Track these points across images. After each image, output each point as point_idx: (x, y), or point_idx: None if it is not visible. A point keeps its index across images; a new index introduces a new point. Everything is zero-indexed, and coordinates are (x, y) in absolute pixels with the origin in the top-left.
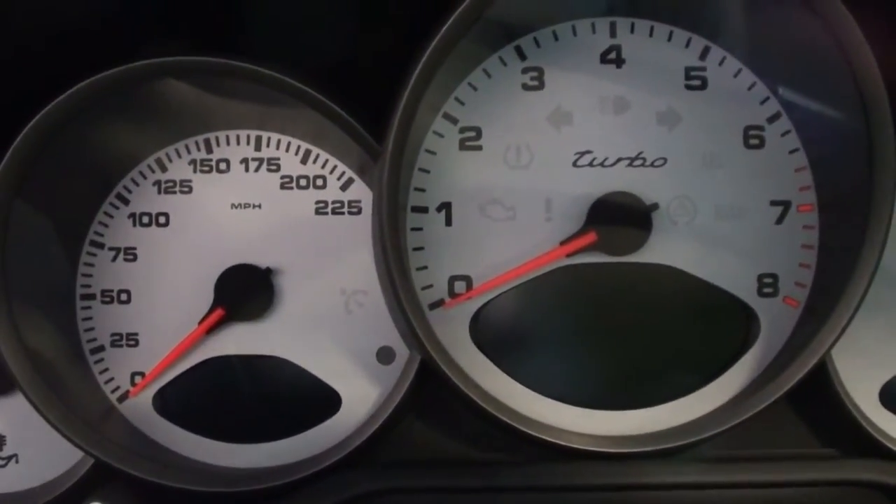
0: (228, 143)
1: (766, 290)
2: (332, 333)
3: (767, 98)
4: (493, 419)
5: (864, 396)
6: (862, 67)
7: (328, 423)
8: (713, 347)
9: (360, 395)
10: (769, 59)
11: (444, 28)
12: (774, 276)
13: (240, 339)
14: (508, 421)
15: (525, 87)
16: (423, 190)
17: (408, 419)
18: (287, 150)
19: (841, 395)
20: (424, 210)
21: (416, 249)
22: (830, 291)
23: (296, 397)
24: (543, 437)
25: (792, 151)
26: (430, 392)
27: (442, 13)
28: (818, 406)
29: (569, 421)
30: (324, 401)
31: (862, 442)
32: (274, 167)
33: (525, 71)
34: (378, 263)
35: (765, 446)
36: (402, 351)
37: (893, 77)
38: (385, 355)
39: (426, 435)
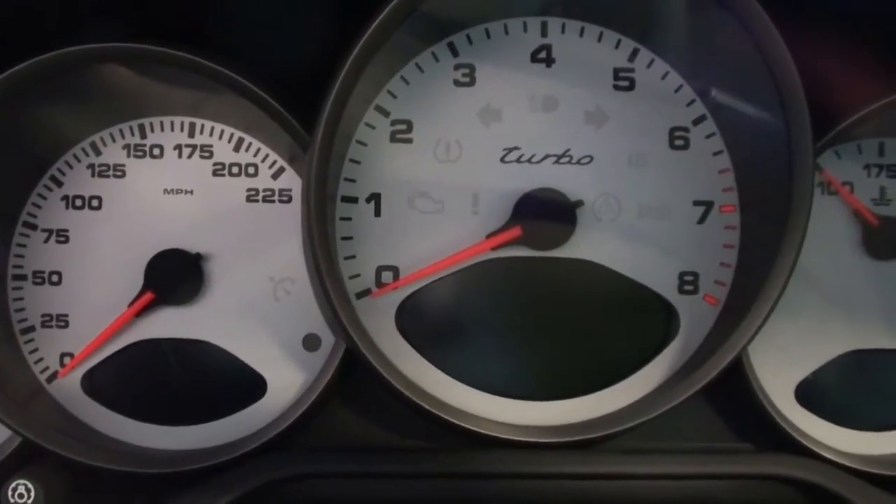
0: (163, 129)
1: (687, 287)
2: (259, 320)
3: (694, 100)
4: (416, 407)
5: (779, 393)
6: (781, 72)
7: (253, 407)
8: (634, 342)
9: (286, 380)
10: (696, 62)
11: (376, 22)
12: (695, 275)
13: (169, 323)
14: (430, 409)
15: (456, 82)
16: (353, 180)
17: (332, 405)
18: (220, 137)
19: (756, 392)
20: (354, 200)
21: (344, 239)
22: (749, 290)
23: (223, 381)
24: (464, 425)
25: (716, 153)
26: (354, 379)
27: (375, 7)
28: (735, 401)
29: (490, 410)
30: (250, 386)
31: (777, 437)
32: (207, 154)
33: (457, 67)
34: (306, 252)
35: (682, 439)
36: (328, 338)
37: (812, 81)
38: (311, 342)
39: (350, 421)
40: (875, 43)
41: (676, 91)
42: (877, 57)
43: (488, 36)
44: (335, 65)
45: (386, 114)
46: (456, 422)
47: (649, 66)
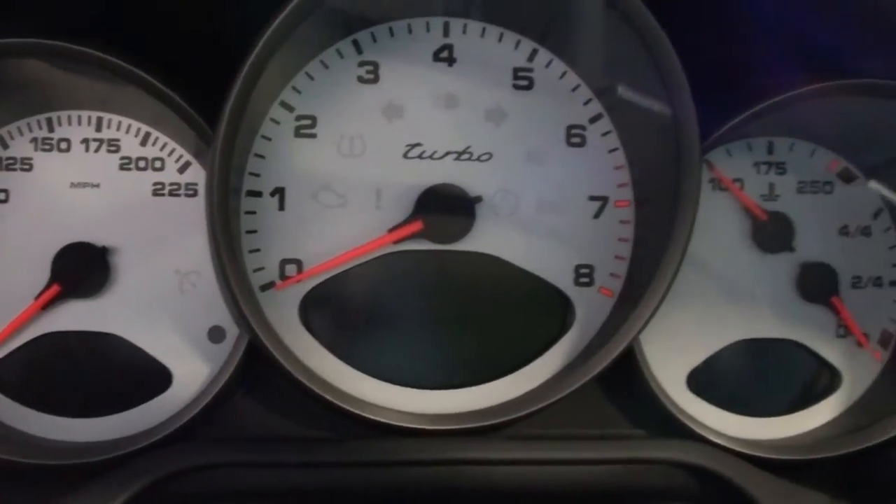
0: (70, 123)
1: (583, 280)
2: (165, 312)
3: (590, 100)
4: (318, 397)
5: (671, 381)
6: (668, 73)
7: (159, 399)
8: (531, 333)
9: (191, 372)
10: (592, 63)
11: (278, 19)
12: (591, 267)
13: (76, 316)
14: (332, 399)
15: (360, 79)
16: (257, 175)
17: (236, 397)
18: (127, 131)
19: (648, 380)
20: (258, 194)
21: (249, 232)
22: (642, 282)
23: (129, 374)
24: (366, 415)
25: (611, 150)
26: (258, 371)
27: (279, 4)
28: (628, 389)
29: (392, 400)
30: (155, 378)
31: (668, 423)
32: (114, 148)
33: (361, 64)
34: (210, 245)
35: (577, 426)
36: (232, 330)
37: (701, 81)
38: (216, 334)
39: (253, 412)
40: (763, 43)
41: (574, 90)
42: (764, 57)
43: (392, 34)
44: (239, 60)
45: (290, 109)
46: (358, 412)
47: (548, 66)
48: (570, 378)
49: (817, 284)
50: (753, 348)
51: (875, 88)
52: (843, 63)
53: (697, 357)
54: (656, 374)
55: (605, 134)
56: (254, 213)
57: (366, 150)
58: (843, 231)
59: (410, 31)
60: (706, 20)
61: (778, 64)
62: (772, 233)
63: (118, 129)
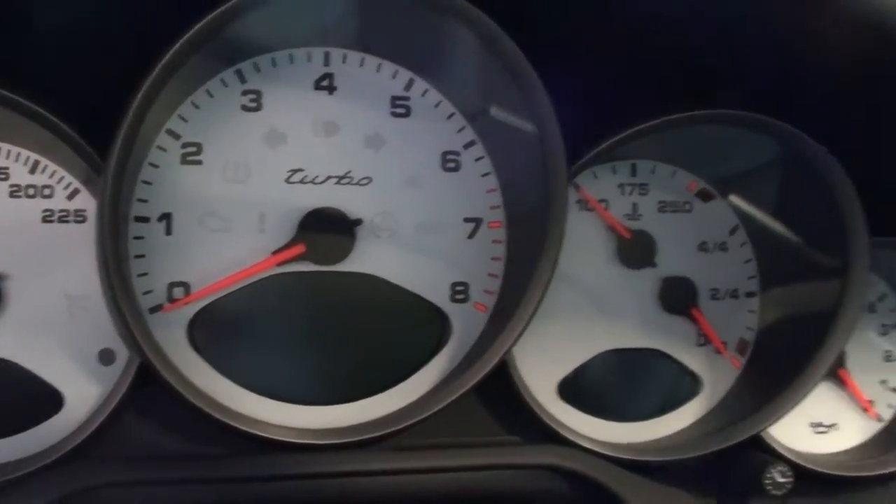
0: None
1: (459, 296)
2: (56, 336)
3: (464, 127)
4: (207, 416)
5: (543, 390)
6: (535, 104)
7: (50, 422)
8: (411, 348)
9: (82, 395)
10: (465, 92)
11: (171, 52)
12: (466, 285)
13: None
14: (220, 417)
15: (244, 107)
16: (145, 201)
17: (128, 417)
18: (17, 159)
19: (521, 389)
20: (146, 220)
21: (137, 257)
22: (513, 298)
23: (20, 398)
24: (253, 431)
25: (484, 175)
26: (149, 391)
27: (168, 39)
28: (503, 399)
29: (278, 416)
30: (47, 401)
31: (541, 430)
32: (3, 176)
33: (245, 93)
34: (99, 270)
35: (456, 435)
36: (122, 352)
37: (568, 110)
38: (106, 356)
39: (144, 432)
40: (627, 74)
41: (448, 118)
42: (628, 87)
43: (274, 64)
44: (128, 90)
45: (177, 137)
46: (245, 429)
47: (424, 94)
48: (447, 390)
49: (678, 297)
50: (620, 358)
51: (728, 118)
52: (698, 94)
53: (567, 367)
54: (529, 384)
55: (478, 159)
56: (142, 238)
57: (250, 175)
58: (702, 247)
59: (292, 61)
60: (574, 54)
61: (641, 94)
62: (635, 250)
63: (7, 157)
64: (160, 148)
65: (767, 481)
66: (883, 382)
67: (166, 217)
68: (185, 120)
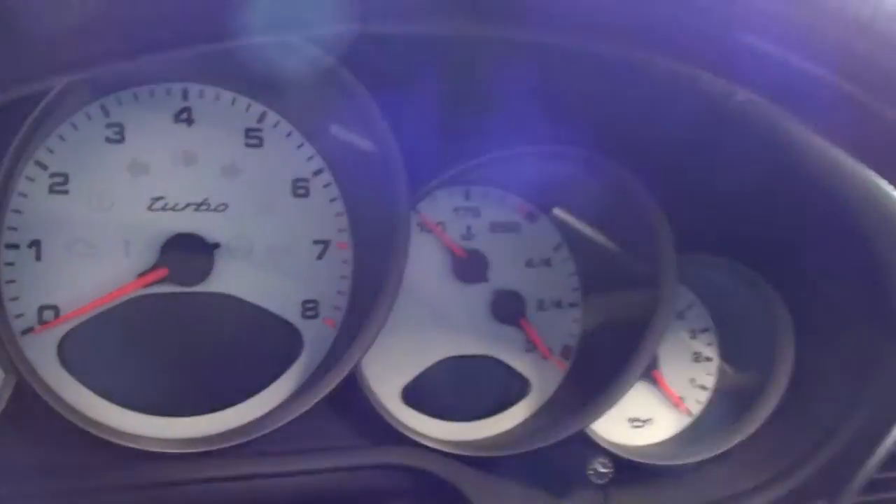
0: None
1: (309, 313)
2: None
3: (313, 156)
4: (78, 430)
5: (389, 396)
6: (376, 137)
7: None
8: (266, 361)
9: None
10: (314, 124)
11: (46, 99)
12: (316, 302)
13: None
14: (91, 430)
15: (108, 139)
16: (15, 229)
17: (6, 433)
18: None
19: (368, 396)
20: (16, 247)
21: (9, 282)
22: (361, 313)
23: None
24: (122, 442)
25: (332, 200)
26: (23, 409)
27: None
28: (353, 406)
29: (148, 428)
30: None
31: (388, 433)
32: None
33: (108, 126)
34: None
35: (310, 441)
36: None
37: (409, 144)
38: None
39: (20, 447)
40: (465, 111)
41: (299, 147)
42: (468, 123)
43: (136, 98)
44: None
45: (45, 167)
46: (114, 440)
47: (275, 126)
48: (302, 399)
49: (508, 308)
50: (457, 364)
51: (559, 154)
52: (536, 130)
53: (410, 374)
54: (376, 390)
55: (326, 185)
56: (12, 264)
57: (114, 204)
58: (529, 263)
59: (152, 95)
60: (417, 92)
61: (481, 128)
62: (469, 267)
63: None
64: (28, 178)
65: (590, 472)
66: (692, 381)
67: (35, 244)
68: (51, 151)
